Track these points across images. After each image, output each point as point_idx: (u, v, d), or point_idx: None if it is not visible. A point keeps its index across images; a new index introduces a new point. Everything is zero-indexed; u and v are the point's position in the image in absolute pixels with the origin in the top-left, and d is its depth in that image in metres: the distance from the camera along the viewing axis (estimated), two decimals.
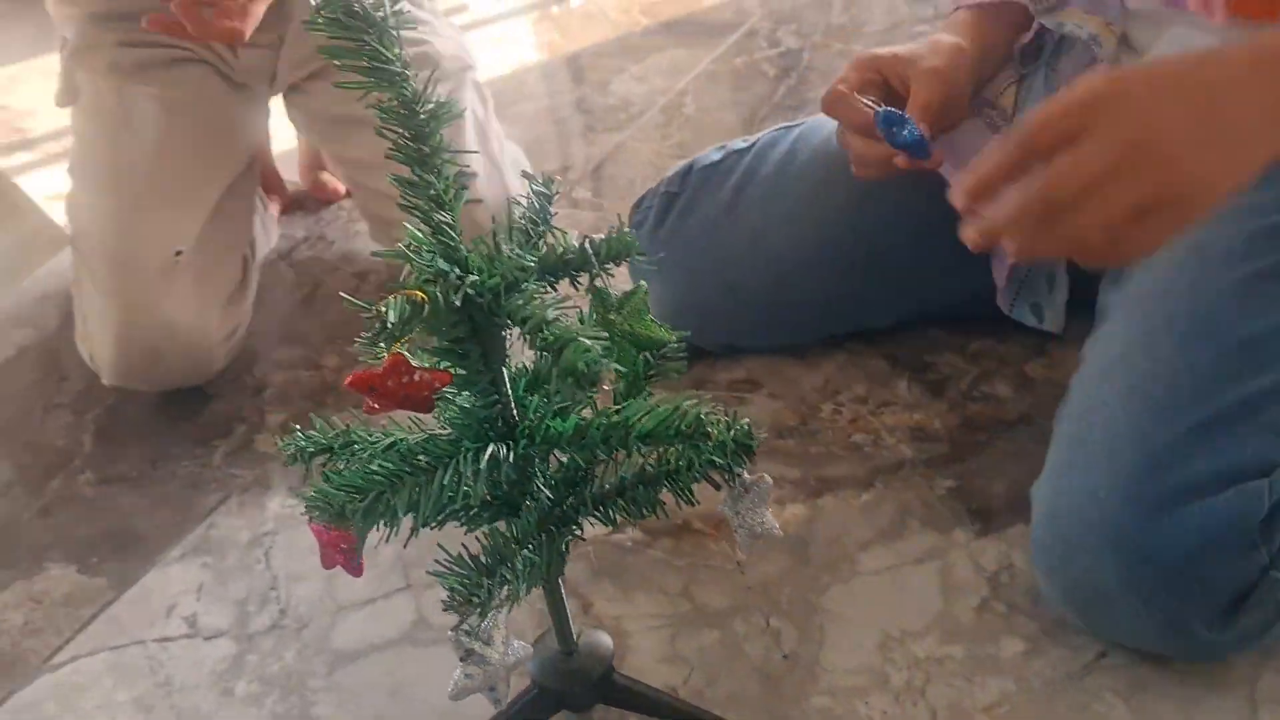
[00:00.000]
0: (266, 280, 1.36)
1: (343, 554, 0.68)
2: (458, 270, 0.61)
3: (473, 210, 1.18)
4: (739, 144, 1.12)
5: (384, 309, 0.58)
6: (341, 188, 1.51)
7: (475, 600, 0.61)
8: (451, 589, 0.61)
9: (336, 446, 0.68)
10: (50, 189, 1.49)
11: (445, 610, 0.61)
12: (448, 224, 0.63)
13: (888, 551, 0.91)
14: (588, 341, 0.60)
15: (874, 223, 1.04)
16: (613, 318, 0.66)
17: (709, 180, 1.10)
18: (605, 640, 0.77)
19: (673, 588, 0.91)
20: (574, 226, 1.42)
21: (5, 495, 1.10)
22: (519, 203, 0.67)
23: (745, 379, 1.11)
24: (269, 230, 1.42)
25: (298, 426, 0.69)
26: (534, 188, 0.69)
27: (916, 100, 0.89)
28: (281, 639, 0.91)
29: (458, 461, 0.63)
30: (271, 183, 1.49)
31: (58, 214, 1.24)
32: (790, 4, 1.98)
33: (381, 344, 0.59)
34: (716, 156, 1.11)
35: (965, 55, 0.92)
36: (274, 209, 1.48)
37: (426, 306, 0.60)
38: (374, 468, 0.63)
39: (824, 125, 1.06)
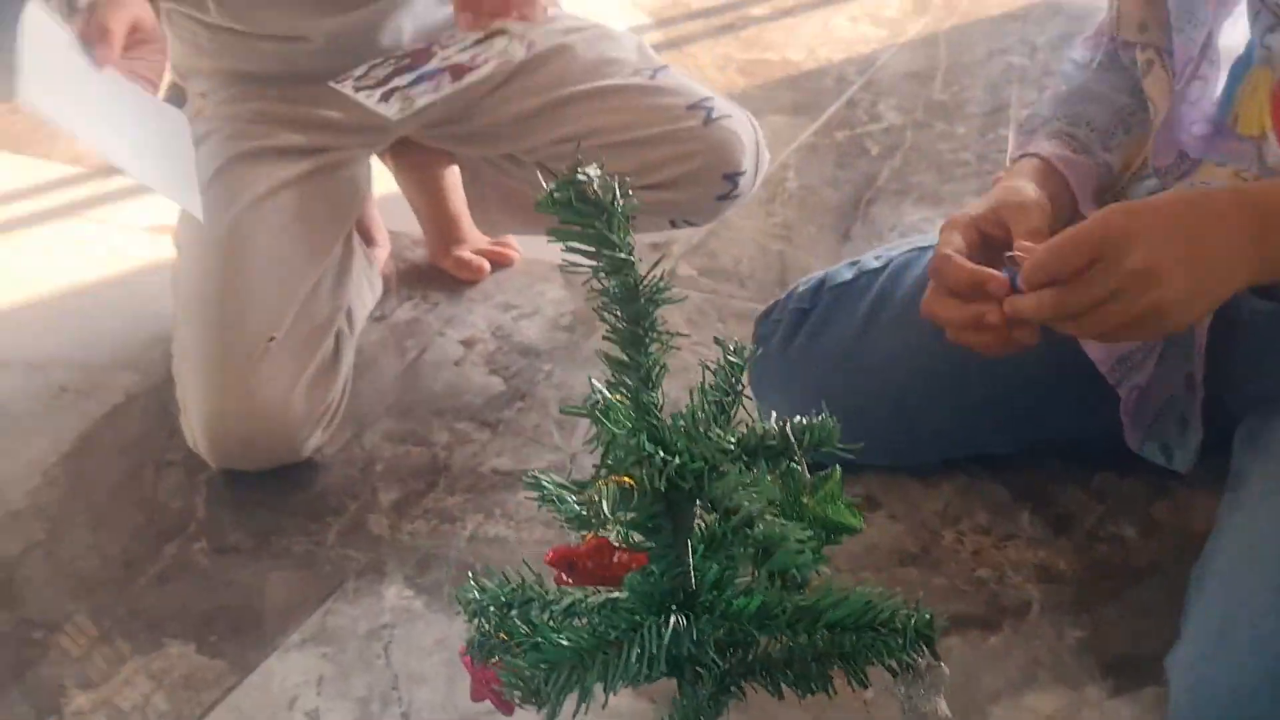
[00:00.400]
0: (366, 342, 1.36)
1: (494, 693, 0.69)
2: (663, 453, 0.61)
3: (723, 124, 1.25)
4: (871, 263, 1.11)
5: (597, 496, 0.59)
6: (487, 264, 1.49)
7: None
8: None
9: (515, 603, 0.68)
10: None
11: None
12: (654, 404, 0.63)
13: (1017, 706, 0.91)
14: (799, 544, 0.60)
15: (1000, 362, 1.03)
16: (806, 501, 0.66)
17: (841, 300, 1.09)
18: None
19: None
20: (679, 309, 1.41)
21: (120, 559, 1.11)
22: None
23: (864, 496, 1.11)
24: (374, 284, 1.41)
25: (472, 575, 0.69)
26: (727, 356, 0.69)
27: (1022, 229, 0.88)
28: None
29: (643, 635, 0.63)
30: (371, 231, 1.49)
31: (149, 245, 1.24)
32: (889, 74, 1.97)
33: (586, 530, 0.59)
34: (849, 275, 1.11)
35: (1041, 197, 0.93)
36: (378, 259, 1.47)
37: (635, 494, 0.60)
38: (562, 640, 0.63)
39: None
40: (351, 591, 1.06)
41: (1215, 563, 0.84)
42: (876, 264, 1.12)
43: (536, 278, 1.49)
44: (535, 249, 1.53)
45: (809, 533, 0.62)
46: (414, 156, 1.42)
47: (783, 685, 0.70)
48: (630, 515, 0.60)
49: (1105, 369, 0.98)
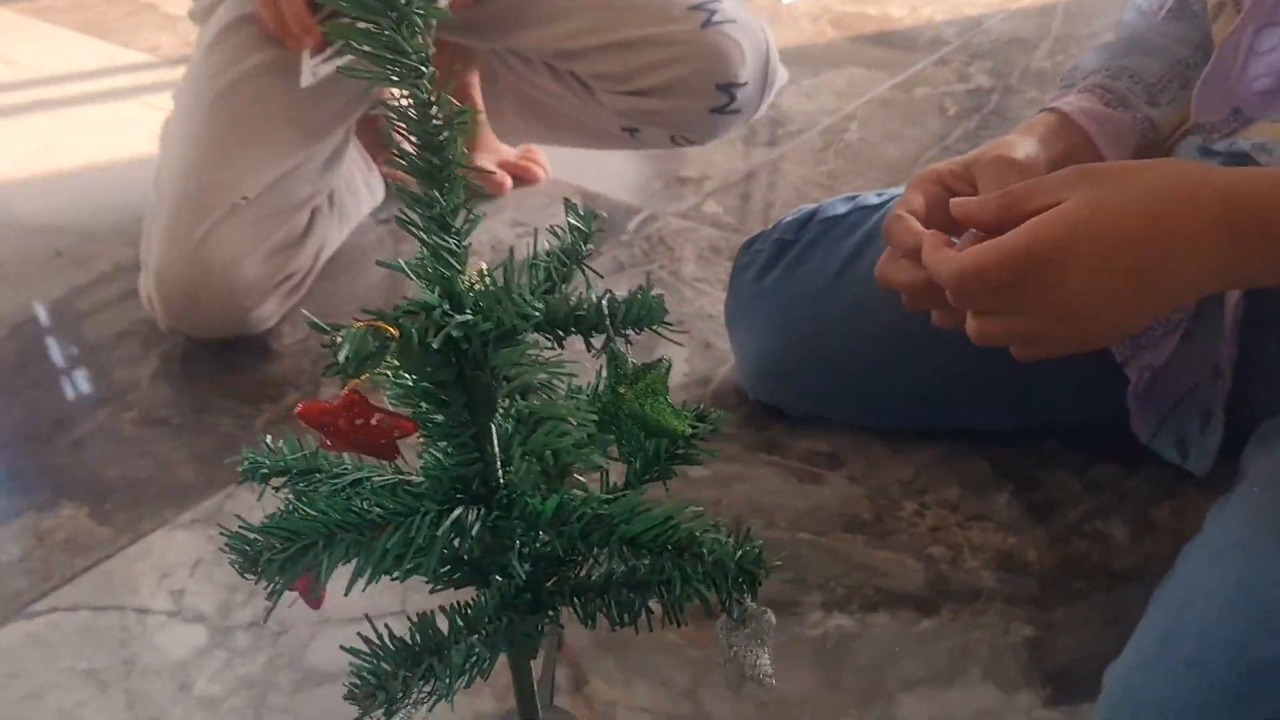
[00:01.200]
0: (362, 242, 1.31)
1: (301, 583, 0.60)
2: (446, 307, 0.52)
3: (723, 29, 1.14)
4: (870, 198, 0.99)
5: (339, 340, 0.49)
6: (509, 180, 1.42)
7: (382, 697, 0.52)
8: (358, 677, 0.52)
9: (295, 471, 0.60)
10: None
11: (345, 700, 0.52)
12: (450, 251, 0.53)
13: (934, 699, 0.78)
14: (568, 425, 0.50)
15: None
16: (623, 391, 0.56)
17: (828, 234, 0.97)
18: None
19: (680, 683, 0.80)
20: (693, 243, 1.31)
21: (51, 418, 1.08)
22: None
23: (827, 452, 0.99)
24: (372, 186, 1.36)
25: (268, 437, 0.61)
26: (570, 220, 0.59)
27: (991, 187, 0.73)
28: (257, 641, 0.84)
29: (411, 523, 0.54)
30: (375, 140, 1.44)
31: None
32: (990, 39, 1.81)
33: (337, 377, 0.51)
34: (842, 209, 0.98)
35: (1035, 155, 0.78)
36: (379, 167, 1.42)
37: (394, 344, 0.51)
38: (317, 511, 0.55)
39: None
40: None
41: (1179, 566, 0.70)
42: (876, 200, 0.99)
43: (556, 199, 1.41)
44: (564, 170, 1.45)
45: (593, 419, 0.52)
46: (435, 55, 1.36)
47: (593, 613, 0.60)
48: (378, 370, 0.51)
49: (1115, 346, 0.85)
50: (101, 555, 0.92)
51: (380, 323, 0.51)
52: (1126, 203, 0.63)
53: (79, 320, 1.23)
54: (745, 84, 1.14)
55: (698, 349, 1.13)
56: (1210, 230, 0.62)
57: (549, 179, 1.45)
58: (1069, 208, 0.63)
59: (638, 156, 1.48)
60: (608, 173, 1.46)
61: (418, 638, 0.54)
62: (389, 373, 0.55)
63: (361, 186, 1.31)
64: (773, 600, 0.83)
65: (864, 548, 0.90)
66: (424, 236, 0.52)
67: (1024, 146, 0.78)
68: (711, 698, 0.79)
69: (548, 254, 0.58)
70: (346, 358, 0.49)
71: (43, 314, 1.23)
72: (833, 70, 1.74)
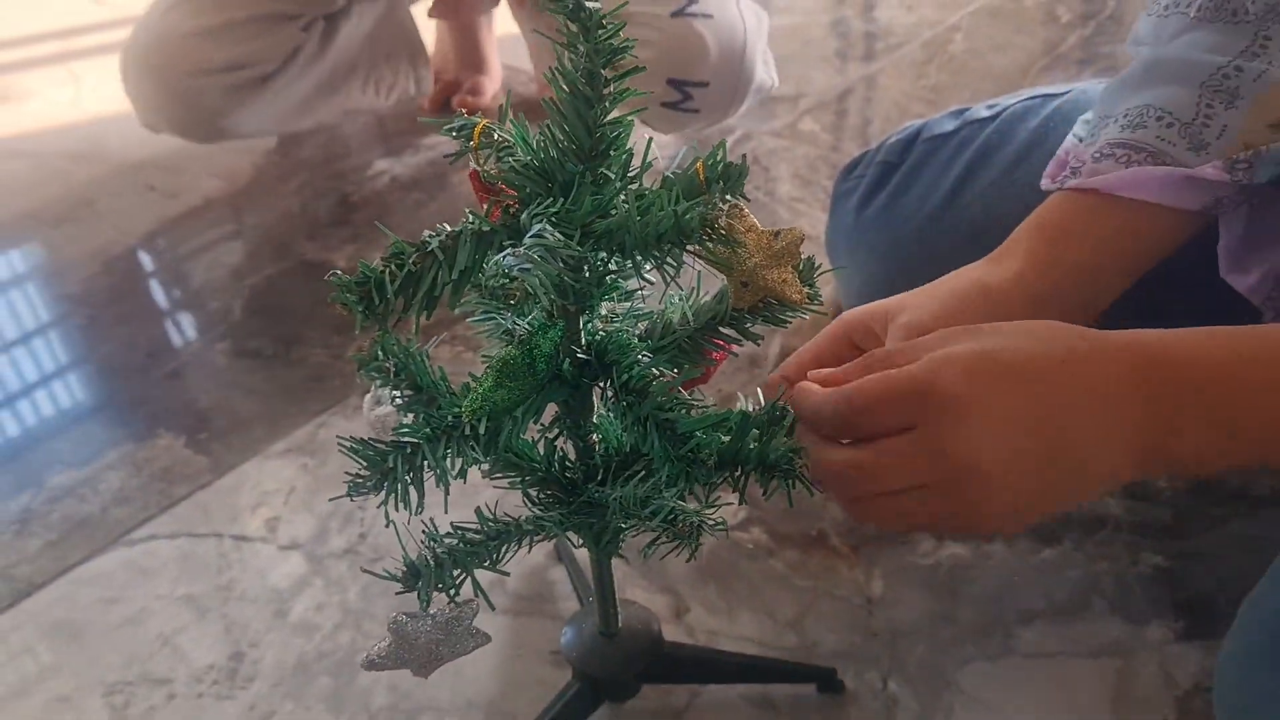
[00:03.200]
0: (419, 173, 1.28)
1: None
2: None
3: (693, 22, 1.02)
4: (981, 111, 0.91)
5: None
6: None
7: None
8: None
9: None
10: None
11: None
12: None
13: (1057, 633, 0.73)
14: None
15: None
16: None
17: (935, 155, 0.90)
18: (651, 623, 0.65)
19: (786, 613, 0.77)
20: (787, 161, 1.26)
21: (144, 350, 1.08)
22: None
23: None
24: (420, 79, 1.33)
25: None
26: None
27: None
28: (353, 568, 0.83)
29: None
30: (488, 60, 1.41)
31: None
32: None
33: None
34: (950, 125, 0.91)
35: (982, 301, 0.64)
36: (485, 86, 1.39)
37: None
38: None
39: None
40: (351, 408, 0.98)
41: None
42: (987, 114, 0.92)
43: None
44: None
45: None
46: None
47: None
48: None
49: (1259, 300, 0.70)
50: (198, 484, 0.92)
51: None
52: (1023, 347, 0.50)
53: (170, 253, 1.23)
54: (705, 84, 1.03)
55: None
56: (1121, 384, 0.50)
57: None
58: (962, 349, 0.50)
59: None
60: None
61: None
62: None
63: (406, 64, 1.28)
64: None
65: None
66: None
67: (958, 296, 0.63)
68: (819, 628, 0.75)
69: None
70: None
71: (135, 248, 1.23)
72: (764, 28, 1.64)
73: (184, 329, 1.11)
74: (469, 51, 1.40)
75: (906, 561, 0.79)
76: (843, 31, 1.56)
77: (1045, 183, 0.70)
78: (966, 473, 0.49)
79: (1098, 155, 0.66)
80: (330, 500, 0.88)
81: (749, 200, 0.45)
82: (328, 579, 0.83)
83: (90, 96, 1.54)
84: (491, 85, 1.42)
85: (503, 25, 1.41)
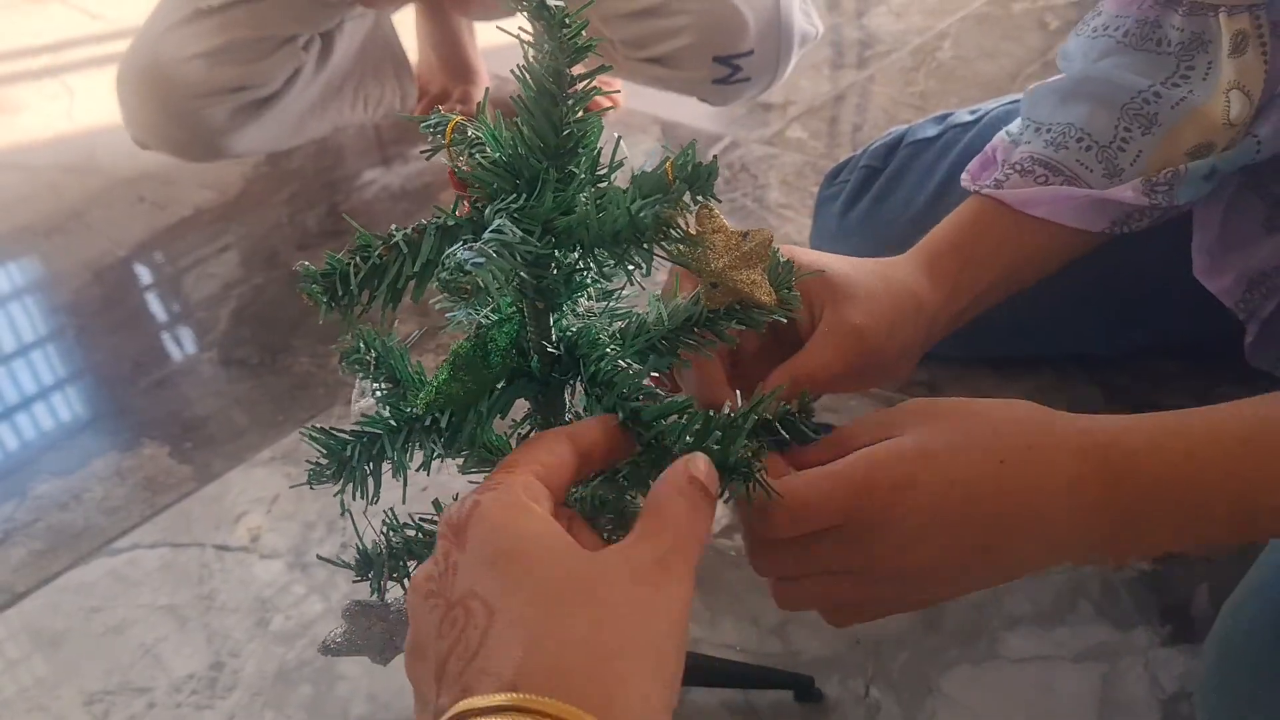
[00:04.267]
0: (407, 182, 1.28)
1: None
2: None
3: None
4: (964, 116, 0.92)
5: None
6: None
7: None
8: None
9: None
10: None
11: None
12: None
13: (1042, 637, 0.73)
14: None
15: (1105, 248, 0.82)
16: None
17: (918, 158, 0.90)
18: None
19: (769, 620, 0.76)
20: (777, 169, 1.26)
21: (131, 360, 1.08)
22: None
23: (924, 382, 0.93)
24: (404, 90, 1.33)
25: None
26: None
27: (807, 365, 0.58)
28: (332, 576, 0.83)
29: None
30: (473, 64, 1.41)
31: None
32: None
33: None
34: (932, 130, 0.91)
35: (915, 314, 0.63)
36: (470, 92, 1.39)
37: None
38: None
39: None
40: (336, 416, 0.98)
41: None
42: (969, 118, 0.92)
43: (634, 128, 1.36)
44: (639, 99, 1.40)
45: None
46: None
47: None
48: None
49: (1231, 302, 0.73)
50: (181, 493, 0.92)
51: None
52: (961, 445, 0.49)
53: (159, 263, 1.23)
54: (750, 52, 1.06)
55: None
56: (1070, 476, 0.48)
57: (624, 107, 1.40)
58: (903, 447, 0.49)
59: None
60: (686, 99, 1.40)
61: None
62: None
63: (391, 78, 1.29)
64: None
65: None
66: None
67: (892, 295, 0.61)
68: (801, 636, 0.75)
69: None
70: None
71: (126, 259, 1.23)
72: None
73: (171, 339, 1.11)
74: (453, 60, 1.40)
75: None
76: (833, 39, 1.56)
77: (965, 179, 0.72)
78: (898, 578, 0.49)
79: (1020, 168, 0.69)
80: (291, 487, 0.88)
81: (720, 201, 0.45)
82: (310, 587, 0.82)
83: (83, 109, 1.54)
84: (479, 92, 1.42)
85: (494, 36, 1.42)
